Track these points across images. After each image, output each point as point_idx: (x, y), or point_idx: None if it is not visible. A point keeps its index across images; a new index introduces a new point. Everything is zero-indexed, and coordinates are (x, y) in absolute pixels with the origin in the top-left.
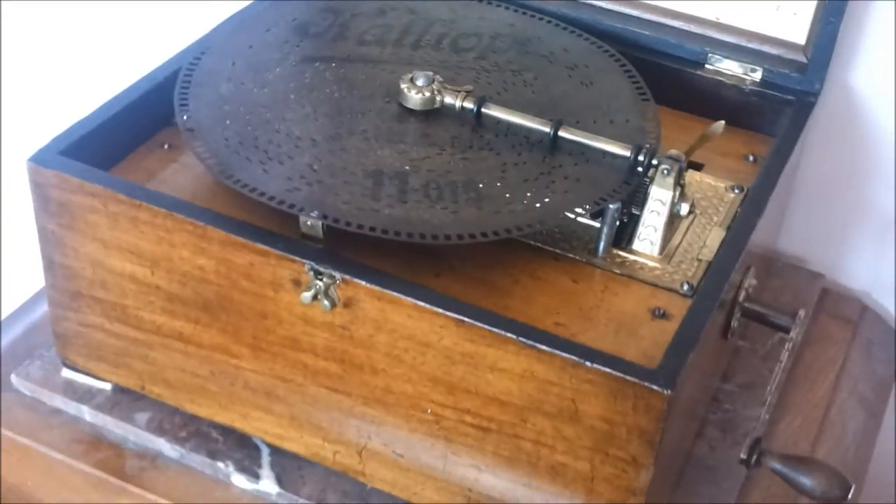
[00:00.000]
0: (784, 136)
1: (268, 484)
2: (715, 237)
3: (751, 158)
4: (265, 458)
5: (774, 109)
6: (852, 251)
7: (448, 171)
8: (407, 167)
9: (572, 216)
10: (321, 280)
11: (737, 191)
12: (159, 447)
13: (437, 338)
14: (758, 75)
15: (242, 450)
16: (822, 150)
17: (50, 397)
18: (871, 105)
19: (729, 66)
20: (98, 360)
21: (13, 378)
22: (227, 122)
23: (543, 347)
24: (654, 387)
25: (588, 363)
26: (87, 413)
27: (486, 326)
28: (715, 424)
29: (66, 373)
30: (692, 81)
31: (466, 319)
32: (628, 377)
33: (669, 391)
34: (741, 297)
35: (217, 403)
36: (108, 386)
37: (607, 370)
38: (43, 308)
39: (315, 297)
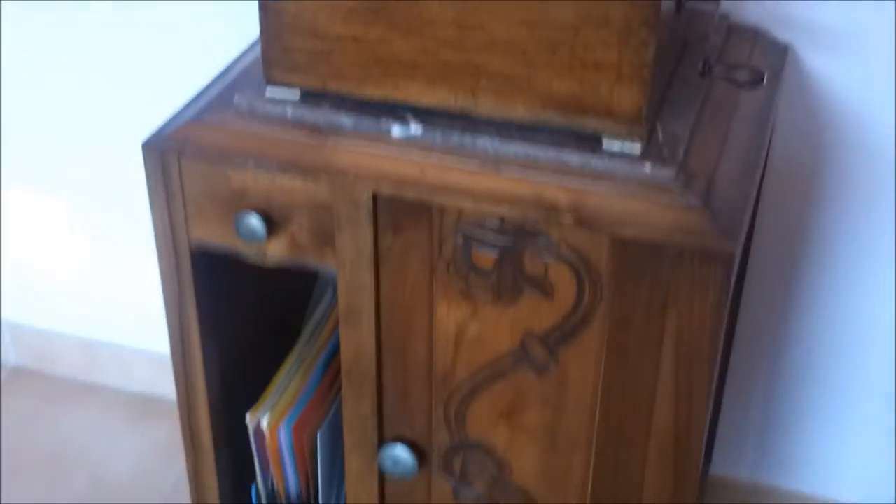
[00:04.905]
0: None
1: (416, 129)
2: None
3: None
4: (410, 116)
5: None
6: None
7: None
8: None
9: None
10: None
11: None
12: (340, 120)
13: None
14: None
15: (395, 114)
16: None
17: (262, 105)
18: None
19: None
20: (293, 70)
21: (236, 98)
22: None
23: None
24: None
25: None
26: (288, 108)
27: None
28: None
29: (268, 90)
30: None
31: None
32: None
33: None
34: None
35: (377, 83)
36: (296, 93)
37: None
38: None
39: None
